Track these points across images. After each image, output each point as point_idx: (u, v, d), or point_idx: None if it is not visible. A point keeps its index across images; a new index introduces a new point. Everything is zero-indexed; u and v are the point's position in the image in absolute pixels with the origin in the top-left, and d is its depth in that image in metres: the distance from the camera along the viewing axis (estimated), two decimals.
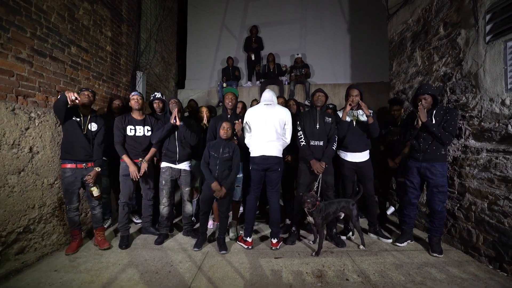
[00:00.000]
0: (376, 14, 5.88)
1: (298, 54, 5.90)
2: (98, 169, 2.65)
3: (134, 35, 4.30)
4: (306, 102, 5.26)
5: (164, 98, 3.26)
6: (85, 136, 2.60)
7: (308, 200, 2.49)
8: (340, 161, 2.94)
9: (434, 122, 2.52)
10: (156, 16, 5.20)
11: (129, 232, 2.84)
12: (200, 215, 2.73)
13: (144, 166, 2.78)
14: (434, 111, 2.54)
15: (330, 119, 2.82)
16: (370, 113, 2.75)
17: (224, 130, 2.58)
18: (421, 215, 3.21)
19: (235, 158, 2.61)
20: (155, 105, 3.20)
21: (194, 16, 6.78)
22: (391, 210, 3.85)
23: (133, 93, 2.89)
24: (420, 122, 2.48)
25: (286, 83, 5.89)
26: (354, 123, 2.84)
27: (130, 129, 2.80)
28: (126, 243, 2.71)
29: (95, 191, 2.64)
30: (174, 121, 2.74)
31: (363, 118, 2.83)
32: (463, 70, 2.61)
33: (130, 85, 4.16)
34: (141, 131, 2.84)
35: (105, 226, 3.15)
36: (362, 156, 2.86)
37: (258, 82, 6.13)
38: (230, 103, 2.89)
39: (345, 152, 2.90)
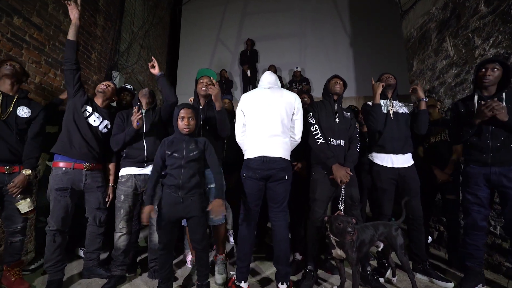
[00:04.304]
0: (378, 25, 5.60)
1: (297, 68, 5.50)
2: (27, 172, 1.78)
3: (113, 32, 3.73)
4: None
5: (135, 91, 2.58)
6: (5, 123, 1.75)
7: (350, 230, 1.61)
8: (374, 170, 2.14)
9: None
10: (144, 21, 4.75)
11: (63, 274, 1.87)
12: (159, 251, 1.77)
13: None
14: (504, 94, 1.84)
15: (349, 114, 2.13)
16: (423, 98, 2.05)
17: (184, 121, 1.72)
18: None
19: (209, 155, 1.76)
20: (122, 96, 2.48)
21: (187, 30, 6.44)
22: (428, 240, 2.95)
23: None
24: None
25: None
26: (392, 115, 2.10)
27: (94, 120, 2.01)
28: None
29: (23, 205, 1.74)
30: (137, 124, 1.90)
31: (402, 110, 2.14)
32: None
33: None
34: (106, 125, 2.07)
35: (35, 265, 2.18)
36: (405, 160, 2.08)
37: None
38: (204, 88, 2.04)
39: (382, 155, 2.11)
